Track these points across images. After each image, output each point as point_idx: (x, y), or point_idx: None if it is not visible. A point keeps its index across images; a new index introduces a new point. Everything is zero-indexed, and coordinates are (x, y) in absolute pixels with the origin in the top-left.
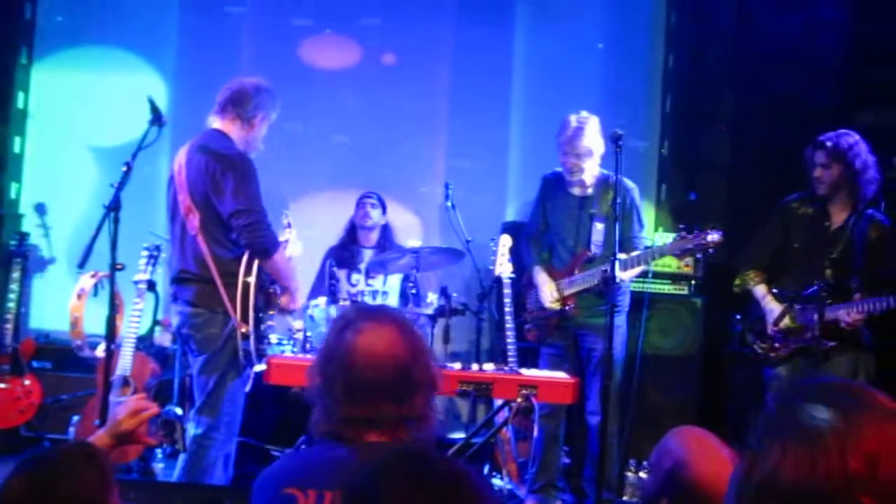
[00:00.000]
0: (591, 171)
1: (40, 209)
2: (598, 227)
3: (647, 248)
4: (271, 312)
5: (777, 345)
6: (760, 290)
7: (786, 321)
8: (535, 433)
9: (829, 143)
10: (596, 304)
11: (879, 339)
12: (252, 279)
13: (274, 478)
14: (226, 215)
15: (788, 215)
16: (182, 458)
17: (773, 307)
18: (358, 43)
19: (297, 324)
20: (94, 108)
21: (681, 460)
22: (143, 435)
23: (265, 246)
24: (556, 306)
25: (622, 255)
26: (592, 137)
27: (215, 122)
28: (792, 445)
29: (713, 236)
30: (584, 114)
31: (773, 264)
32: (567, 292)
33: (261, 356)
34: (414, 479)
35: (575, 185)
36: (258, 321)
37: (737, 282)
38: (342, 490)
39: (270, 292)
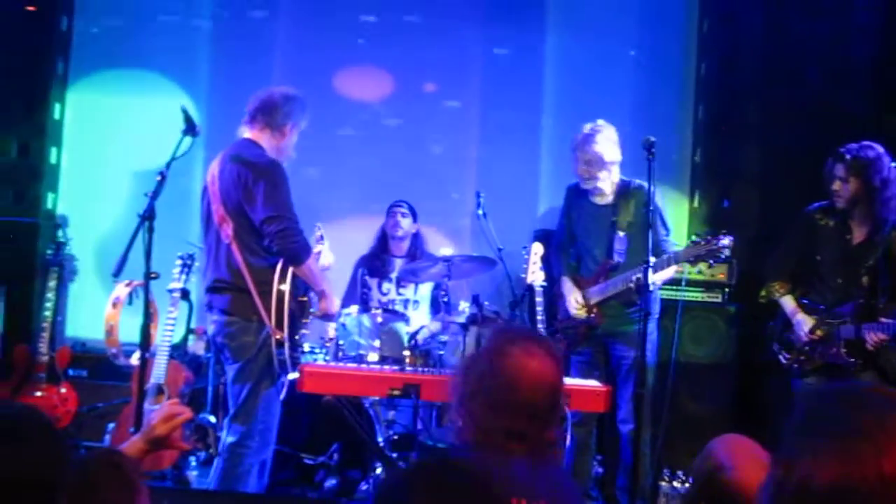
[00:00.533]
0: (606, 179)
1: (62, 221)
2: (621, 235)
3: (668, 250)
4: (305, 321)
5: (802, 357)
6: (787, 301)
7: (819, 332)
8: (567, 442)
9: (848, 157)
10: (624, 311)
11: None
12: (286, 287)
13: None
14: (258, 222)
15: (811, 225)
16: (216, 464)
17: (801, 318)
18: (390, 52)
19: (331, 332)
20: (128, 122)
21: (719, 463)
22: (177, 440)
23: (297, 251)
24: (582, 314)
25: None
26: (604, 145)
27: (246, 132)
28: (826, 450)
29: (724, 241)
30: (600, 122)
31: (798, 274)
32: (593, 301)
33: (295, 364)
34: (437, 487)
35: (595, 193)
36: (293, 329)
37: (762, 292)
38: (539, 499)
39: (304, 300)
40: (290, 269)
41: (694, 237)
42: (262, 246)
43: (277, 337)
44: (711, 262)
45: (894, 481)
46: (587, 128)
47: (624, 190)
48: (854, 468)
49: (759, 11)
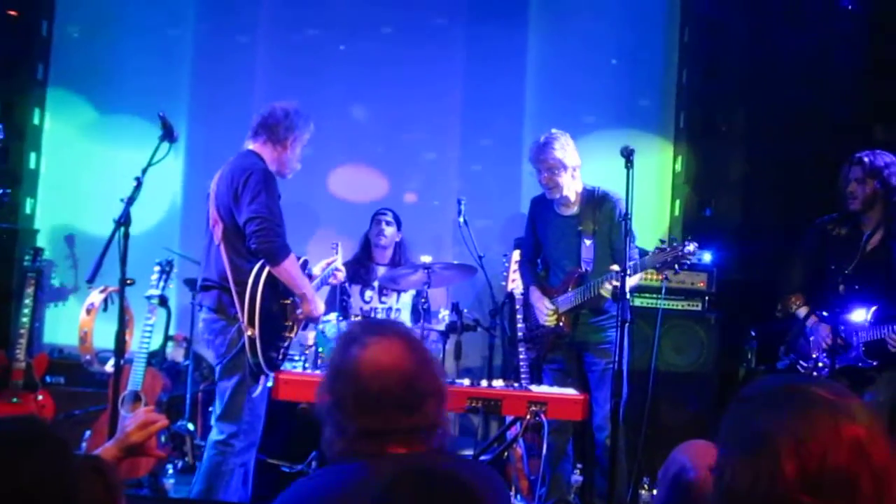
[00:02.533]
0: (569, 186)
1: (69, 241)
2: (587, 243)
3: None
4: (288, 323)
5: (821, 364)
6: (804, 313)
7: (838, 340)
8: (544, 450)
9: (866, 160)
10: (593, 319)
11: None
12: (259, 289)
13: None
14: (242, 223)
15: (823, 236)
16: (202, 463)
17: (819, 329)
18: (371, 58)
19: (311, 339)
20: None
21: (683, 466)
22: (152, 447)
23: (273, 251)
24: (553, 321)
25: (615, 267)
26: (563, 151)
27: (249, 145)
28: (741, 455)
29: (689, 247)
30: (554, 130)
31: (811, 285)
32: (562, 310)
33: (271, 365)
34: (422, 492)
35: (560, 203)
36: (270, 330)
37: (779, 307)
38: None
39: (287, 303)
40: (266, 274)
41: (659, 243)
42: (246, 247)
43: (248, 334)
44: (677, 268)
45: (796, 481)
46: (542, 138)
47: (589, 198)
48: (761, 473)
49: (741, 19)
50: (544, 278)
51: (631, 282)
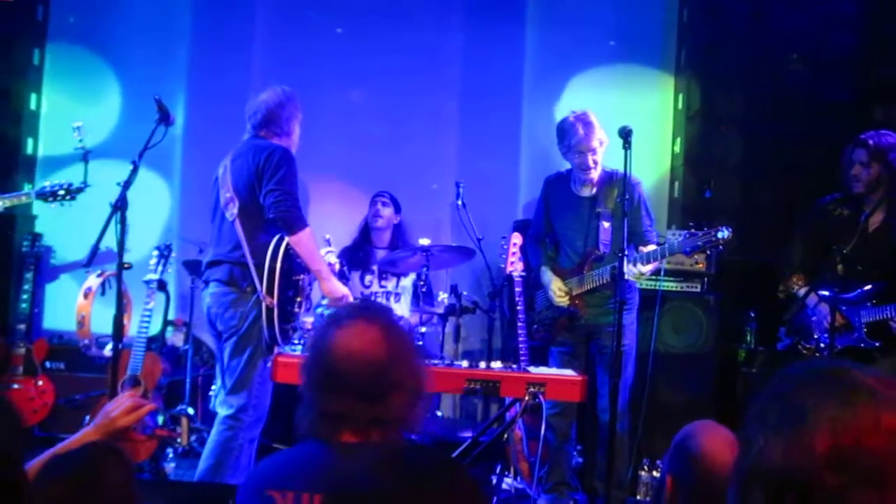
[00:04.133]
0: (598, 166)
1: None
2: (605, 225)
3: (659, 244)
4: (298, 299)
5: (822, 345)
6: (805, 292)
7: (837, 321)
8: (543, 431)
9: (870, 142)
10: (606, 302)
11: None
12: (277, 264)
13: (256, 479)
14: (262, 195)
15: (824, 217)
16: (210, 439)
17: (821, 308)
18: (369, 41)
19: (309, 322)
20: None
21: (686, 435)
22: (134, 433)
23: (291, 220)
24: (565, 302)
25: (644, 249)
26: (600, 128)
27: (256, 134)
28: (775, 429)
29: (723, 233)
30: (579, 110)
31: (813, 265)
32: (576, 291)
33: (286, 338)
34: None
35: (580, 184)
36: (284, 303)
37: (781, 287)
38: (320, 492)
39: (299, 279)
40: (284, 246)
41: (691, 228)
42: (264, 221)
43: (267, 303)
44: (710, 253)
45: (824, 460)
46: (579, 120)
47: (608, 180)
48: (792, 450)
49: (740, 1)
50: (553, 259)
51: (654, 265)
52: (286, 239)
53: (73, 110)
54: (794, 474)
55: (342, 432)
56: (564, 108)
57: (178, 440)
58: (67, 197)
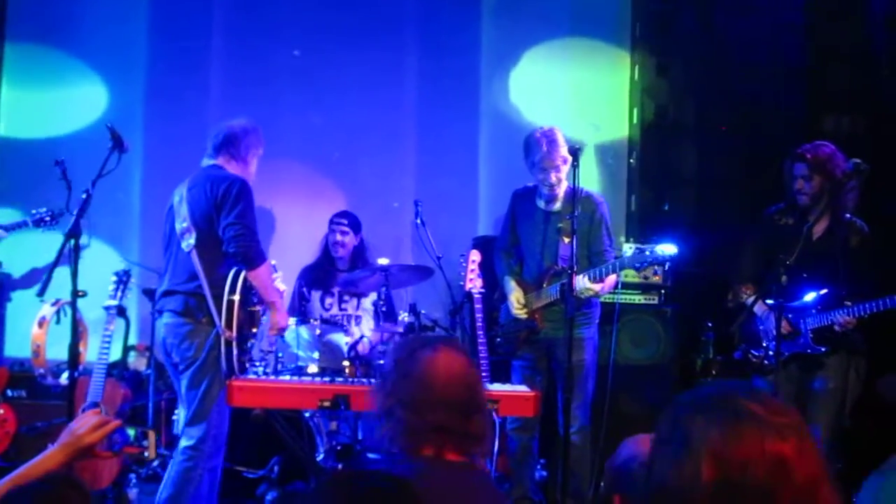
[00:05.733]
0: (563, 182)
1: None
2: (566, 241)
3: (611, 260)
4: (254, 330)
5: (771, 352)
6: (752, 301)
7: (782, 329)
8: (497, 446)
9: (808, 155)
10: (563, 316)
11: (871, 342)
12: (236, 297)
13: None
14: (221, 228)
15: (770, 227)
16: (170, 469)
17: (769, 317)
18: (325, 62)
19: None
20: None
21: (630, 456)
22: (102, 451)
23: (251, 255)
24: (523, 314)
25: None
26: (565, 146)
27: (211, 161)
28: (669, 454)
29: (669, 250)
30: (545, 127)
31: (762, 275)
32: (535, 305)
33: (243, 369)
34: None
35: (545, 199)
36: (241, 335)
37: (730, 296)
38: None
39: (254, 310)
40: (242, 279)
41: (637, 245)
42: (222, 254)
43: (226, 336)
44: (656, 269)
45: (710, 484)
46: (544, 137)
47: (571, 196)
48: (683, 472)
49: (691, 12)
50: (518, 272)
51: (611, 281)
52: (243, 272)
53: (32, 113)
54: (684, 499)
55: (447, 448)
56: (523, 125)
57: (146, 454)
58: (53, 222)
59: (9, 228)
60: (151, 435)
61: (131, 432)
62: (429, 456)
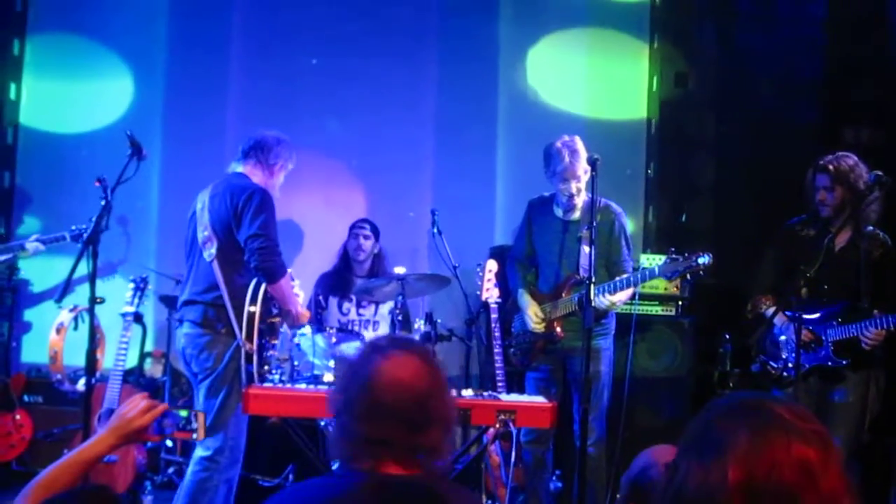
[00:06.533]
0: (581, 192)
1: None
2: (586, 250)
3: (636, 270)
4: (274, 341)
5: (791, 364)
6: (772, 312)
7: (804, 338)
8: (513, 458)
9: (831, 167)
10: (581, 327)
11: (891, 355)
12: (256, 308)
13: None
14: (242, 240)
15: (791, 238)
16: (185, 479)
17: (789, 328)
18: (344, 72)
19: (284, 353)
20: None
21: (647, 464)
22: (150, 434)
23: (273, 269)
24: (541, 328)
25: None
26: (585, 156)
27: (238, 168)
28: (696, 459)
29: (703, 259)
30: (567, 137)
31: (782, 287)
32: (554, 315)
33: (262, 379)
34: None
35: (563, 208)
36: (261, 346)
37: (749, 307)
38: None
39: (274, 321)
40: (262, 290)
41: (671, 253)
42: (243, 264)
43: (247, 348)
44: (689, 277)
45: (736, 486)
46: (566, 147)
47: (590, 206)
48: (710, 477)
49: (710, 26)
50: (532, 283)
51: (628, 292)
52: (261, 288)
53: (53, 100)
54: (708, 499)
55: (385, 461)
56: (540, 134)
57: (194, 436)
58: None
59: (46, 242)
60: (201, 416)
61: (183, 413)
62: (366, 469)
